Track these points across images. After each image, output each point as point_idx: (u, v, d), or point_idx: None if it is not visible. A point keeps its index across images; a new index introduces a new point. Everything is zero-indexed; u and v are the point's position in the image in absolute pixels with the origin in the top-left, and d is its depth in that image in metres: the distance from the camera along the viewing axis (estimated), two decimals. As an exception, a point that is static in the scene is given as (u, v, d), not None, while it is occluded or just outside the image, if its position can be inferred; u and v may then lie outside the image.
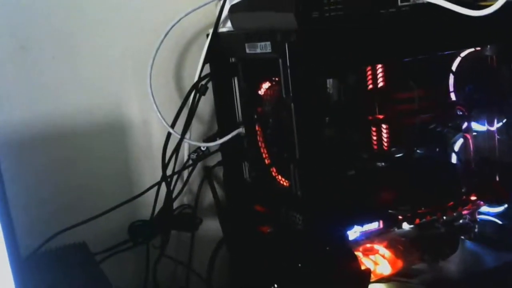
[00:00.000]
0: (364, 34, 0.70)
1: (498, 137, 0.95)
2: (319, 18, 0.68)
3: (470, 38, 0.77)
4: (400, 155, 0.92)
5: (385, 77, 0.86)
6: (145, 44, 0.89)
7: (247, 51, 0.77)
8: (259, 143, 0.85)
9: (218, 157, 0.95)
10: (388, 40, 0.73)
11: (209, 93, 0.89)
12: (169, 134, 0.88)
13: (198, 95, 0.85)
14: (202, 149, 0.89)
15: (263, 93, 0.83)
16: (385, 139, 0.88)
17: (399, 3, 0.71)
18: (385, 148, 0.89)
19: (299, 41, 0.66)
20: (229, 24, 0.85)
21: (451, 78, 0.97)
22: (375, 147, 0.89)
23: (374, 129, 0.88)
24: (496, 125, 0.95)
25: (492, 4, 0.66)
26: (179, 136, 0.87)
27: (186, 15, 0.86)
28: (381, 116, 0.87)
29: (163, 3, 0.92)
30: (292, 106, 0.69)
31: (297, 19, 0.67)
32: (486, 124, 0.95)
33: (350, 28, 0.69)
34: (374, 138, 0.88)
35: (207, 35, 0.86)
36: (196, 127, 0.96)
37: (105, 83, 0.92)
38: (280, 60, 0.69)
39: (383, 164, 0.91)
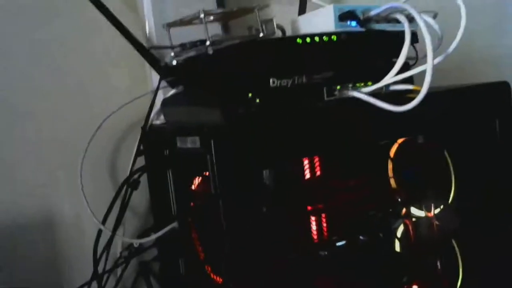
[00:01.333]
0: (292, 129, 0.70)
1: (436, 223, 0.95)
2: (246, 113, 0.68)
3: (397, 129, 0.78)
4: (342, 243, 0.90)
5: (322, 166, 0.86)
6: (77, 138, 0.87)
7: (178, 145, 0.76)
8: (194, 239, 0.83)
9: (155, 251, 0.92)
10: (317, 133, 0.73)
11: (146, 186, 0.87)
12: (100, 230, 0.84)
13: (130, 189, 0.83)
14: (135, 245, 0.86)
15: (195, 188, 0.82)
16: (325, 228, 0.86)
17: (325, 98, 0.72)
18: (326, 237, 0.87)
19: (226, 137, 0.66)
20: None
21: (390, 164, 0.97)
22: (315, 236, 0.87)
23: (313, 218, 0.87)
24: (434, 211, 0.95)
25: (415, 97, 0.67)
26: (110, 233, 0.84)
27: (118, 109, 0.85)
28: (320, 206, 0.86)
29: (97, 96, 0.92)
30: (220, 203, 0.68)
31: (223, 115, 0.67)
32: (424, 210, 0.96)
33: (276, 125, 0.69)
34: (314, 228, 0.87)
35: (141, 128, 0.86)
36: (131, 221, 0.93)
37: (34, 175, 0.89)
38: (208, 156, 0.68)
39: (325, 253, 0.89)
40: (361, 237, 0.94)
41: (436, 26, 0.72)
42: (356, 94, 0.71)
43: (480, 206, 0.92)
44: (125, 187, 0.83)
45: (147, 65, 0.83)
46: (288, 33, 0.78)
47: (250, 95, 0.67)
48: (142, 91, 0.88)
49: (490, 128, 0.86)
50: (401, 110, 0.67)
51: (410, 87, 0.71)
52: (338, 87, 0.72)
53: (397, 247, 0.97)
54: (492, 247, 0.92)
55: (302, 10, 0.93)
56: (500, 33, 0.90)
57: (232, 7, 0.73)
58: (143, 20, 0.88)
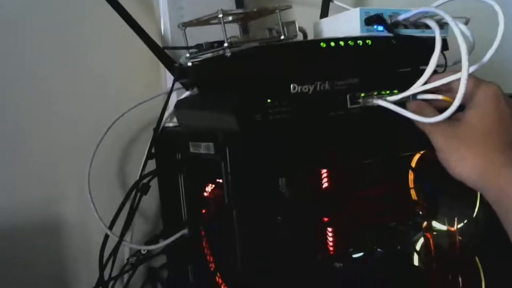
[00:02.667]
0: (310, 138, 0.66)
1: (459, 238, 0.91)
2: (263, 121, 0.64)
3: (421, 141, 0.74)
4: (359, 255, 0.87)
5: (340, 176, 0.82)
6: (86, 140, 0.84)
7: (191, 150, 0.72)
8: (204, 247, 0.79)
9: (163, 258, 0.89)
10: (338, 142, 0.69)
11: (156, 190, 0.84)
12: (107, 236, 0.81)
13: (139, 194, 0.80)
14: (143, 252, 0.83)
15: (207, 194, 0.78)
16: (342, 240, 0.83)
17: (349, 105, 0.68)
18: (342, 249, 0.83)
19: (241, 144, 0.62)
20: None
21: (411, 175, 0.93)
22: (331, 248, 0.84)
23: (330, 229, 0.83)
24: (457, 225, 0.91)
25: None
26: (117, 238, 0.80)
27: (129, 110, 0.82)
28: (337, 216, 0.83)
29: (108, 96, 0.89)
30: (234, 213, 0.64)
31: (238, 121, 0.63)
32: (446, 223, 0.92)
33: (296, 133, 0.65)
34: (330, 239, 0.83)
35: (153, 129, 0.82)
36: (140, 226, 0.90)
37: (40, 178, 0.86)
38: (222, 163, 0.64)
39: (341, 265, 0.85)
40: (378, 250, 0.90)
41: (468, 33, 0.68)
42: (381, 102, 0.67)
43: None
44: (134, 191, 0.80)
45: (161, 65, 0.80)
46: (310, 36, 0.74)
47: (268, 101, 0.63)
48: (155, 93, 0.85)
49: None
50: (432, 122, 0.62)
51: (439, 97, 0.66)
52: (363, 94, 0.68)
53: (416, 261, 0.93)
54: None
55: (324, 13, 0.89)
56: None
57: (252, 7, 0.69)
58: (159, 20, 0.85)
